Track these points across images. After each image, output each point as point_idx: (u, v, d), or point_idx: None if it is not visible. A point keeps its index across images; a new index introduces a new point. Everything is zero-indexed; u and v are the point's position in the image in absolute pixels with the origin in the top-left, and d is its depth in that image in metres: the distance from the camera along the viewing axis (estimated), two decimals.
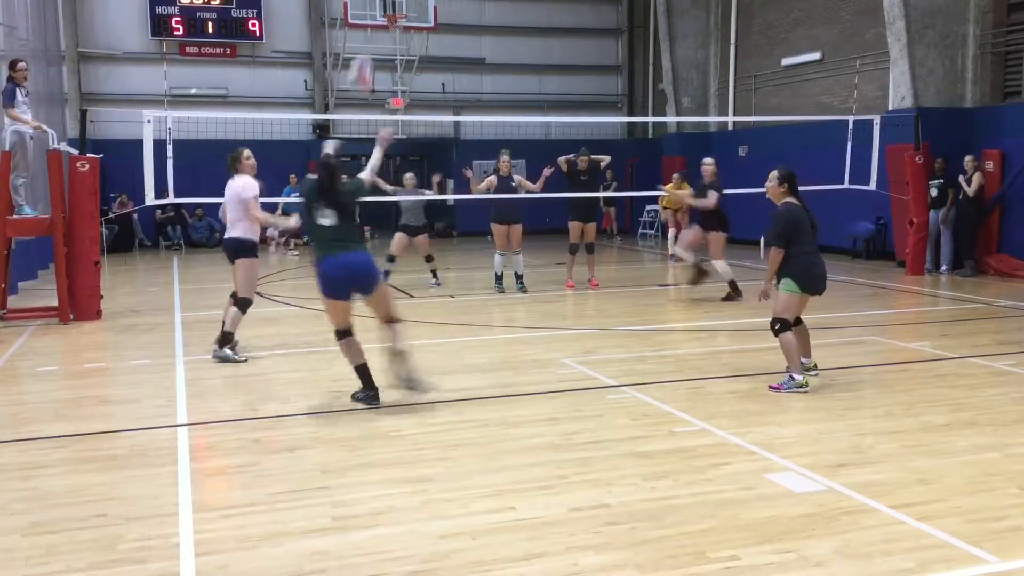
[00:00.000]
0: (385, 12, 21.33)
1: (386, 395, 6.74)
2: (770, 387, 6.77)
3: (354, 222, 6.50)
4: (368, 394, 6.48)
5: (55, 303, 10.47)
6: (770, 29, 20.54)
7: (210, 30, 22.28)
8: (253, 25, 22.57)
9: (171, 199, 12.48)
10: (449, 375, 7.45)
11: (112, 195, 20.34)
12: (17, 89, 10.37)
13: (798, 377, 6.71)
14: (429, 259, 13.64)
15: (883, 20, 15.49)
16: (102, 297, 10.82)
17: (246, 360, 8.12)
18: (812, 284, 6.85)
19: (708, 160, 12.41)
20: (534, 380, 7.18)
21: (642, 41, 25.72)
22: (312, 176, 6.62)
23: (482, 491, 4.63)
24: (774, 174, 6.99)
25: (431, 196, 13.75)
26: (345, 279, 6.31)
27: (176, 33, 22.08)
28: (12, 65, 10.53)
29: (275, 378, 7.53)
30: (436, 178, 14.00)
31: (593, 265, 13.11)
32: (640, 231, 23.22)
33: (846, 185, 14.47)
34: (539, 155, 24.39)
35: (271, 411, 6.38)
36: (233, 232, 8.19)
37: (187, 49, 22.35)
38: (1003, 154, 14.26)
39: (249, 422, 6.05)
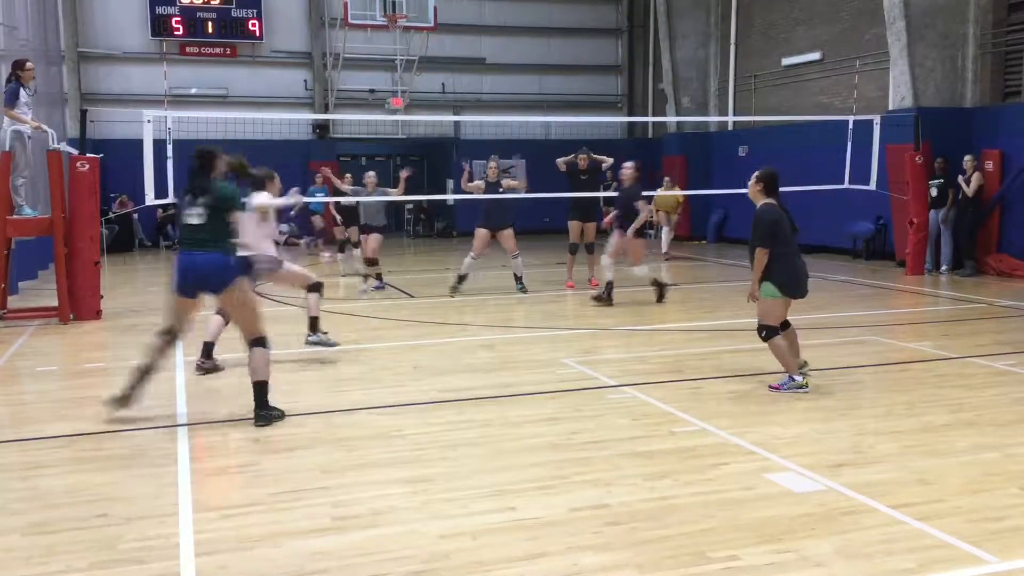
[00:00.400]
0: (385, 12, 21.33)
1: (386, 395, 6.75)
2: (770, 387, 6.77)
3: (223, 224, 6.25)
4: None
5: (55, 303, 10.47)
6: (770, 29, 20.54)
7: (210, 30, 22.27)
8: (253, 25, 22.56)
9: (171, 199, 12.45)
10: (449, 375, 7.46)
11: (112, 195, 20.35)
12: (22, 89, 10.38)
13: (798, 378, 6.71)
14: (373, 262, 12.79)
15: (883, 20, 15.49)
16: (102, 297, 10.82)
17: (337, 344, 8.39)
18: (795, 287, 6.78)
19: (628, 164, 11.90)
20: (534, 380, 7.18)
21: (642, 41, 25.72)
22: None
23: (482, 491, 4.63)
24: (755, 174, 6.96)
25: (395, 197, 13.35)
26: (191, 277, 6.21)
27: (176, 33, 22.07)
28: (21, 65, 10.53)
29: (275, 378, 7.51)
30: (404, 173, 12.76)
31: (593, 265, 13.10)
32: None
33: (846, 185, 14.47)
34: (539, 155, 24.51)
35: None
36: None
37: (187, 49, 22.35)
38: (1003, 154, 14.26)
39: (249, 422, 6.04)
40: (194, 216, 6.25)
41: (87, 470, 5.08)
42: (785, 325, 6.90)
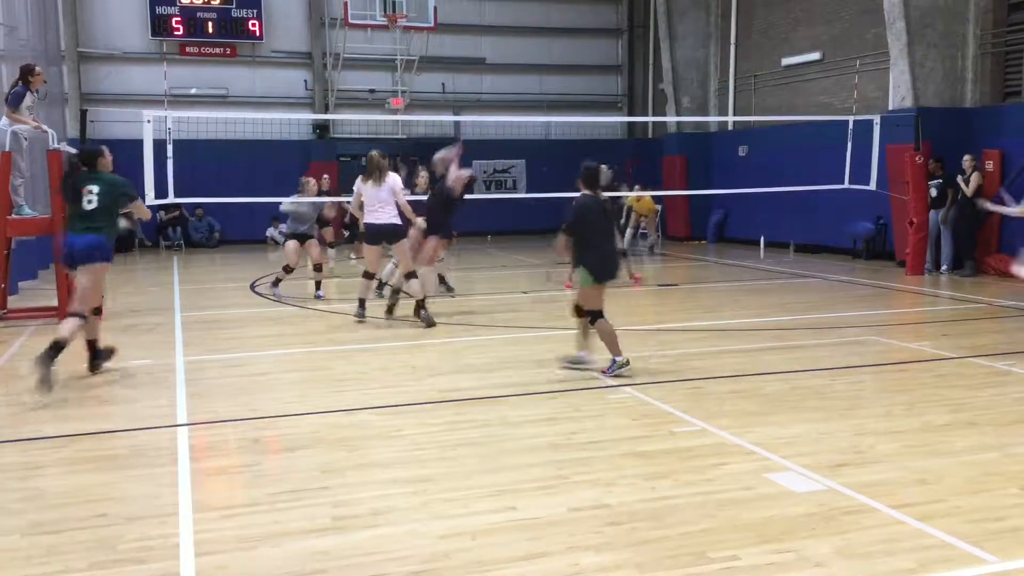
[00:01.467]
0: (385, 12, 21.35)
1: (386, 395, 6.75)
2: (602, 372, 7.18)
3: (110, 209, 7.59)
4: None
5: (55, 303, 10.46)
6: (770, 29, 20.54)
7: (210, 30, 22.28)
8: (253, 25, 22.57)
9: (171, 199, 12.48)
10: (449, 375, 7.45)
11: None
12: (28, 94, 10.41)
13: (619, 359, 7.18)
14: (319, 268, 12.51)
15: (883, 20, 15.49)
16: (102, 297, 10.80)
17: (435, 325, 9.57)
18: (603, 273, 7.27)
19: (441, 152, 11.36)
20: (534, 380, 7.17)
21: (642, 41, 25.73)
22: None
23: (482, 491, 4.63)
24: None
25: (328, 199, 13.30)
26: (67, 253, 7.45)
27: (176, 33, 22.08)
28: (31, 71, 10.55)
29: (275, 378, 7.53)
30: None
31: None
32: (640, 230, 23.20)
33: (846, 185, 14.48)
34: (539, 155, 24.54)
35: (271, 411, 6.38)
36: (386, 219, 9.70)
37: (187, 49, 22.35)
38: (1003, 154, 14.26)
39: (249, 422, 6.05)
40: (91, 202, 7.50)
41: (87, 470, 5.08)
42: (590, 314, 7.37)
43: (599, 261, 7.24)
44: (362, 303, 10.23)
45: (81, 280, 7.32)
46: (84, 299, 7.34)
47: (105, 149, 8.11)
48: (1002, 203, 11.33)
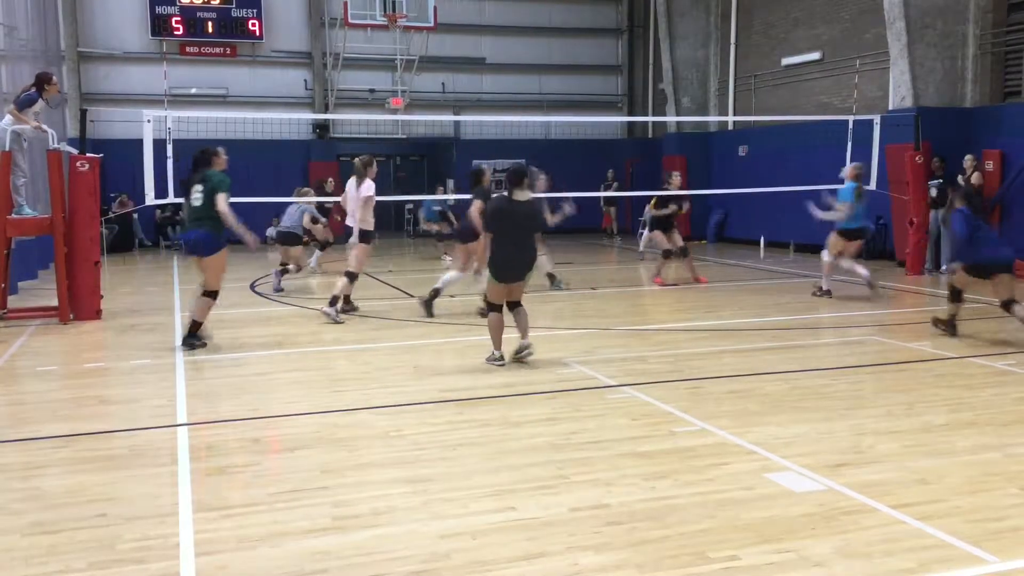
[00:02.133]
0: (385, 12, 21.34)
1: (386, 395, 6.75)
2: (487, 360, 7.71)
3: (212, 206, 8.39)
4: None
5: (55, 303, 10.47)
6: (770, 29, 20.54)
7: (210, 30, 22.28)
8: (253, 25, 22.57)
9: (171, 199, 12.47)
10: (449, 375, 7.45)
11: (112, 195, 20.35)
12: (40, 101, 10.45)
13: (496, 352, 7.71)
14: (299, 269, 13.29)
15: (883, 20, 15.49)
16: (102, 297, 10.82)
17: (342, 322, 10.06)
18: (502, 274, 7.68)
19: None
20: (534, 380, 7.18)
21: (642, 41, 25.73)
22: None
23: (482, 491, 4.63)
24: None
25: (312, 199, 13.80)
26: (183, 247, 9.07)
27: (176, 33, 22.08)
28: (48, 79, 10.59)
29: (275, 378, 7.53)
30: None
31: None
32: (640, 231, 23.22)
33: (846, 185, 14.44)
34: (539, 155, 24.52)
35: (271, 411, 6.38)
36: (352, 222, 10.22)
37: (187, 49, 22.35)
38: (1003, 154, 14.26)
39: (249, 422, 6.05)
40: (196, 200, 8.65)
41: (87, 470, 5.08)
42: (514, 306, 7.86)
43: (501, 262, 7.65)
44: (347, 299, 10.75)
45: (202, 269, 8.59)
46: (208, 284, 8.60)
47: (221, 150, 8.90)
48: (829, 208, 11.69)
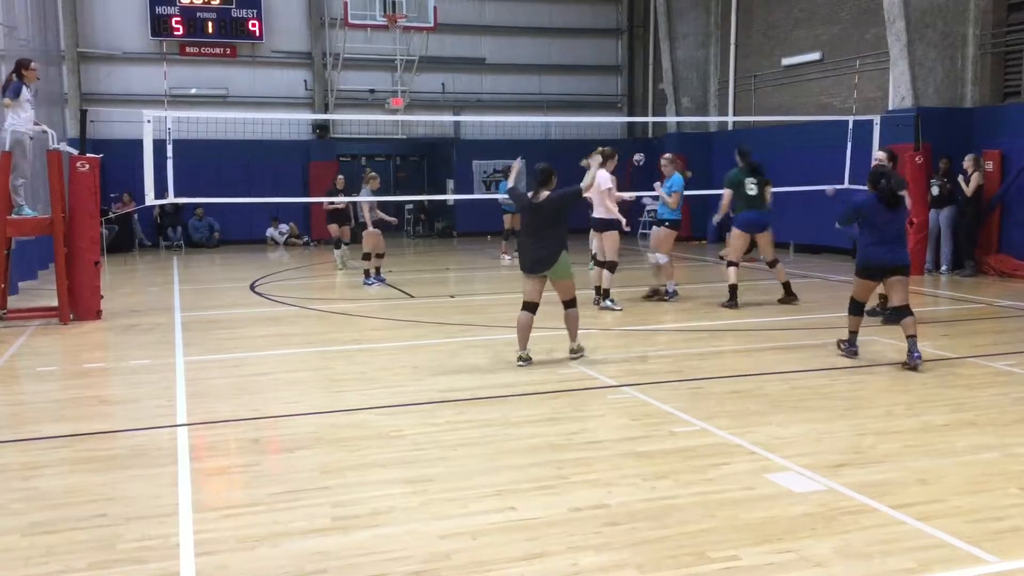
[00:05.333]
0: (385, 12, 21.32)
1: (386, 395, 6.76)
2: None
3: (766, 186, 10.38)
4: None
5: (55, 303, 10.47)
6: (770, 29, 20.54)
7: (210, 30, 22.27)
8: (253, 25, 22.56)
9: (171, 199, 12.48)
10: (449, 375, 7.45)
11: (112, 195, 20.35)
12: (24, 88, 10.39)
13: (520, 352, 7.83)
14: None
15: (883, 20, 15.48)
16: (102, 297, 10.82)
17: (622, 309, 10.76)
18: (524, 265, 7.97)
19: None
20: (534, 380, 7.18)
21: (642, 41, 25.72)
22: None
23: (482, 491, 4.63)
24: None
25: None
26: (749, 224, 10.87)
27: (176, 33, 22.07)
28: (26, 64, 10.55)
29: (275, 378, 7.53)
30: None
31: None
32: (640, 231, 23.22)
33: (846, 185, 14.45)
34: (539, 155, 24.50)
35: (271, 411, 6.38)
36: (597, 213, 10.80)
37: (187, 49, 22.34)
38: (1003, 154, 14.26)
39: (249, 422, 6.05)
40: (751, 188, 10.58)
41: (86, 470, 5.08)
42: (567, 306, 8.02)
43: (523, 255, 8.03)
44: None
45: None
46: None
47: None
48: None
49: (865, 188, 8.07)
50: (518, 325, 7.89)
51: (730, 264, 11.15)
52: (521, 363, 7.74)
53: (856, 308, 7.96)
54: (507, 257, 17.50)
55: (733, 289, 10.95)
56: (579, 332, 8.09)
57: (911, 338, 7.42)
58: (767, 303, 11.23)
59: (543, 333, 9.35)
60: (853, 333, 7.98)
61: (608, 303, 10.79)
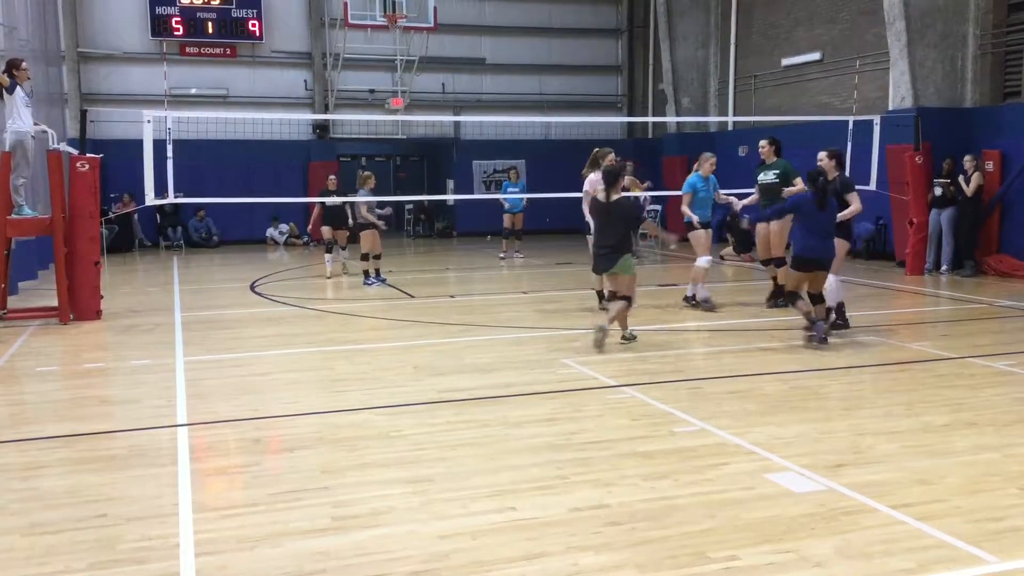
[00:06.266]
0: (385, 12, 21.32)
1: (386, 395, 6.76)
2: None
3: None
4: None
5: (55, 303, 10.47)
6: (770, 29, 20.54)
7: (210, 30, 22.27)
8: (253, 25, 22.56)
9: (171, 199, 12.47)
10: (449, 375, 7.45)
11: (112, 195, 20.35)
12: (19, 88, 10.38)
13: (625, 332, 8.47)
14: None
15: (883, 20, 15.48)
16: (102, 297, 10.82)
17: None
18: (594, 263, 8.61)
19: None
20: (534, 380, 7.18)
21: (642, 41, 25.72)
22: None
23: (482, 491, 4.63)
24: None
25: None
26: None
27: (176, 33, 22.07)
28: (17, 64, 10.52)
29: (275, 378, 7.53)
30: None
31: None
32: (640, 231, 23.22)
33: None
34: (539, 155, 24.54)
35: (271, 411, 6.38)
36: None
37: (187, 49, 22.34)
38: (1003, 154, 14.26)
39: (249, 422, 6.05)
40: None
41: (87, 470, 5.08)
42: (612, 297, 8.65)
43: (593, 254, 8.58)
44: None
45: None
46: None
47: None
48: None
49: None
50: (615, 311, 8.42)
51: (773, 262, 10.83)
52: (629, 341, 8.51)
53: (795, 297, 8.53)
54: (515, 255, 17.54)
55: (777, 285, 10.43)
56: (579, 332, 8.09)
57: (820, 321, 8.30)
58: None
59: (543, 333, 9.36)
60: (807, 314, 8.43)
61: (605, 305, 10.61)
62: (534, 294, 12.55)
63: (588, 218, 10.07)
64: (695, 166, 11.10)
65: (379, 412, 6.27)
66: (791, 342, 8.76)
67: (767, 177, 10.90)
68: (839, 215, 8.76)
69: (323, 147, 23.41)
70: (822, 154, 9.92)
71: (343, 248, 15.23)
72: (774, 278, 10.88)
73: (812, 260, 8.26)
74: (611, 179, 8.32)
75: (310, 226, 16.33)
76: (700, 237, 10.85)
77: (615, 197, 8.31)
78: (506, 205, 17.67)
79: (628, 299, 8.47)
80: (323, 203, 14.75)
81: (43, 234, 11.33)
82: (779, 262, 10.69)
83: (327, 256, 14.83)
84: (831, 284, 8.93)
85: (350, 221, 14.71)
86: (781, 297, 10.28)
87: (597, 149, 10.45)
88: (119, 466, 5.16)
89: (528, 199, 17.95)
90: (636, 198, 11.34)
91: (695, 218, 10.76)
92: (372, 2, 21.34)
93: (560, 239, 21.30)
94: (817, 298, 8.37)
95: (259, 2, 22.54)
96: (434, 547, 3.94)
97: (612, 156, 10.41)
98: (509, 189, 17.82)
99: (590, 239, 10.05)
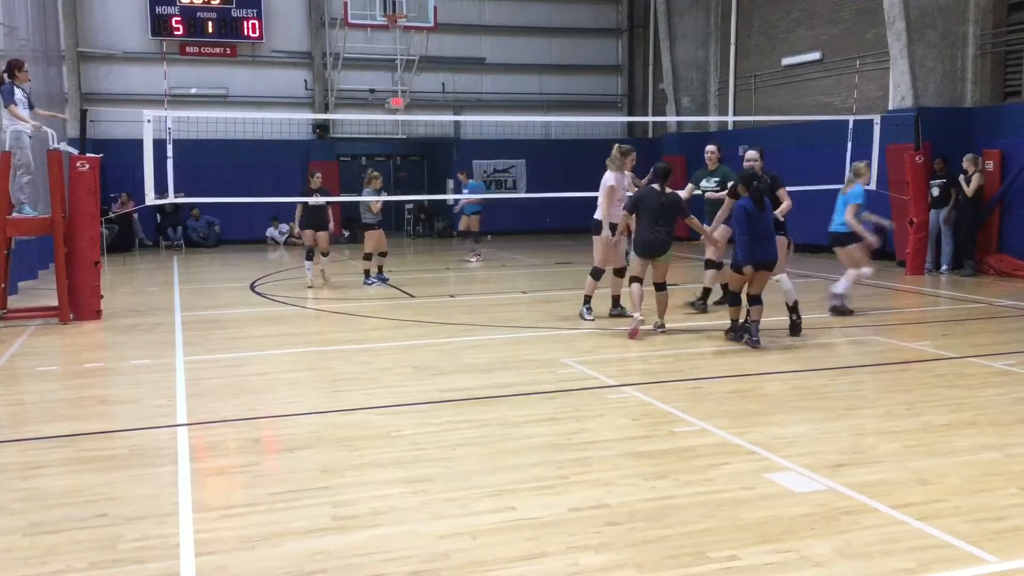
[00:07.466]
0: (385, 12, 21.34)
1: (386, 395, 6.76)
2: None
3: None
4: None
5: (55, 303, 10.46)
6: (770, 29, 20.54)
7: (210, 30, 22.28)
8: (253, 25, 22.56)
9: (171, 199, 12.47)
10: (449, 375, 7.45)
11: (112, 195, 20.35)
12: (17, 90, 10.37)
13: (635, 315, 8.93)
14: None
15: (883, 20, 15.49)
16: (102, 297, 10.82)
17: (593, 320, 9.97)
18: (643, 250, 9.10)
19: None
20: (534, 380, 7.18)
21: (642, 41, 25.72)
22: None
23: (482, 491, 4.63)
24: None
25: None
26: None
27: (176, 33, 22.08)
28: (19, 65, 10.52)
29: (275, 378, 7.53)
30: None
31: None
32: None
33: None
34: (539, 155, 24.56)
35: (271, 411, 6.38)
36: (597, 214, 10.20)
37: (187, 49, 22.35)
38: (1003, 154, 14.26)
39: (249, 422, 6.05)
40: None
41: (87, 470, 5.08)
42: (659, 288, 9.26)
43: (642, 241, 9.07)
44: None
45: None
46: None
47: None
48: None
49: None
50: (632, 293, 9.08)
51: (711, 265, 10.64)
52: (642, 325, 8.91)
53: (736, 299, 8.67)
54: (471, 256, 17.48)
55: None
56: (579, 332, 8.08)
57: (755, 323, 8.43)
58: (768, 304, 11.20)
59: (543, 332, 9.36)
60: (734, 321, 8.72)
61: (584, 310, 10.05)
62: (534, 294, 12.55)
63: (601, 215, 10.02)
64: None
65: (379, 412, 6.27)
66: (791, 342, 8.76)
67: (708, 185, 10.92)
68: (775, 212, 9.00)
69: (323, 147, 23.41)
70: (752, 153, 9.85)
71: (325, 255, 13.83)
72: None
73: (762, 263, 8.41)
74: (665, 175, 9.08)
75: (295, 226, 15.22)
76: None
77: (669, 192, 9.08)
78: (456, 208, 17.44)
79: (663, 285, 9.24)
80: (305, 203, 13.55)
81: (43, 234, 11.32)
82: (715, 265, 10.56)
83: (307, 263, 13.65)
84: (784, 284, 9.15)
85: (330, 225, 13.88)
86: (703, 300, 10.73)
87: (619, 146, 10.24)
88: (119, 466, 5.16)
89: (483, 200, 17.79)
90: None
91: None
92: (372, 2, 21.35)
93: (560, 239, 21.31)
94: (759, 300, 8.49)
95: (259, 2, 22.55)
96: (434, 547, 3.94)
97: (635, 155, 10.39)
98: (465, 191, 17.80)
99: (606, 234, 9.97)
